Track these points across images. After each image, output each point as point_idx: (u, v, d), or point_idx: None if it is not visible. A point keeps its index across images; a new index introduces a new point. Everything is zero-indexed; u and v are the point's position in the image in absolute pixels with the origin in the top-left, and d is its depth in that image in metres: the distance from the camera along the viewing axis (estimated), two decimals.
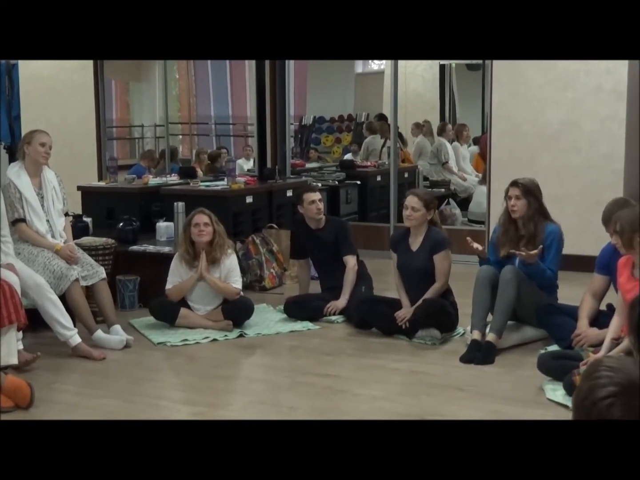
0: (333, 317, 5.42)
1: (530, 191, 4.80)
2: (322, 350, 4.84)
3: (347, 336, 5.14)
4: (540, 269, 4.70)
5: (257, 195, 6.88)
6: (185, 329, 5.19)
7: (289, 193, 7.23)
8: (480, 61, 9.39)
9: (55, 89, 8.31)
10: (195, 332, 5.13)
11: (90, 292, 5.04)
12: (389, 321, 4.98)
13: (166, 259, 5.52)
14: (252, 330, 5.21)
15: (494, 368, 4.45)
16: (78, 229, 5.84)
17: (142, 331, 5.21)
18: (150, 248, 5.98)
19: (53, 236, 5.01)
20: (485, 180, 7.53)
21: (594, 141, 6.78)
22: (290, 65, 8.48)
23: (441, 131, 9.72)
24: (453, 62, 10.41)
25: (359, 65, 11.31)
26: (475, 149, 9.69)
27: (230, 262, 5.29)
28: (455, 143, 9.59)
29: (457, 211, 8.60)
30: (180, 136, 11.16)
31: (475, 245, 4.81)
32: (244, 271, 6.02)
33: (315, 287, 5.84)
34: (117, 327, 4.94)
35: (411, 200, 4.99)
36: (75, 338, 4.67)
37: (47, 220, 5.02)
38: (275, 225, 6.87)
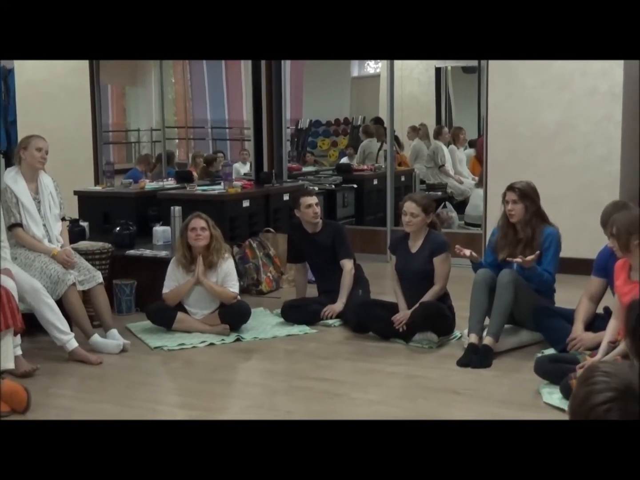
0: (330, 321, 5.42)
1: (526, 195, 4.80)
2: (319, 354, 4.84)
3: (344, 340, 5.14)
4: (538, 273, 4.70)
5: (253, 199, 6.89)
6: (182, 333, 5.18)
7: (286, 197, 7.23)
8: (475, 63, 9.41)
9: (52, 94, 8.31)
10: (192, 337, 5.13)
11: (87, 296, 5.03)
12: (386, 325, 4.98)
13: (163, 263, 5.51)
14: (249, 334, 5.21)
15: (491, 371, 4.45)
16: (75, 234, 5.85)
17: (139, 335, 5.20)
18: (147, 252, 5.98)
19: (50, 241, 5.00)
20: (482, 183, 7.54)
21: (590, 143, 6.79)
22: (287, 68, 8.48)
23: (437, 134, 9.72)
24: (449, 65, 10.43)
25: (355, 69, 11.32)
26: (471, 151, 9.70)
27: (227, 266, 5.29)
28: (452, 146, 9.59)
29: (454, 214, 8.60)
30: (177, 140, 11.17)
31: (464, 252, 4.80)
32: (240, 275, 6.02)
33: (312, 291, 5.84)
34: (114, 332, 4.93)
35: (409, 206, 4.99)
36: (72, 342, 4.67)
37: (44, 225, 5.01)
38: (272, 229, 6.87)
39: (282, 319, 5.50)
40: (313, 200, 5.64)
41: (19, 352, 4.36)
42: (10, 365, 4.15)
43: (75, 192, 6.87)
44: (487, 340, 4.58)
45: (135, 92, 10.64)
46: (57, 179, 5.24)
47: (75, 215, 6.47)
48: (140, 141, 10.56)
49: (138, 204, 6.76)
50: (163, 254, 5.88)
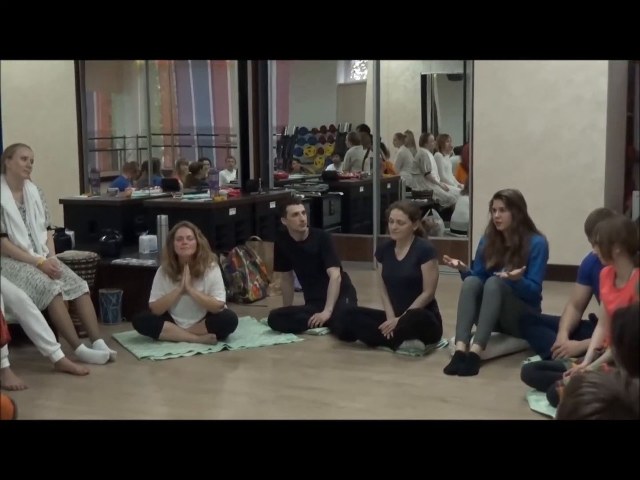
0: (317, 330, 5.42)
1: (513, 203, 4.82)
2: (306, 362, 4.84)
3: (331, 348, 5.14)
4: (525, 285, 4.72)
5: (240, 207, 6.88)
6: (169, 343, 5.17)
7: (272, 205, 7.24)
8: (461, 71, 9.45)
9: (37, 102, 8.27)
10: (179, 346, 5.11)
11: (73, 306, 5.01)
12: (373, 333, 4.99)
13: (149, 272, 5.50)
14: (236, 343, 5.20)
15: (477, 379, 4.46)
16: (60, 243, 5.81)
17: (125, 345, 5.18)
18: (133, 261, 5.96)
19: (35, 250, 4.98)
20: (467, 190, 7.57)
21: (574, 151, 6.83)
22: (273, 75, 8.49)
23: (423, 141, 9.76)
24: (434, 73, 10.48)
25: (341, 76, 11.35)
26: (457, 159, 9.74)
27: (214, 275, 5.28)
28: (438, 153, 9.63)
29: (440, 221, 8.62)
30: (163, 147, 11.15)
31: (452, 262, 4.82)
32: (227, 284, 6.01)
33: (299, 299, 5.83)
34: (101, 342, 4.91)
35: (396, 214, 5.01)
36: (58, 353, 4.64)
37: (29, 235, 4.99)
38: (258, 238, 6.86)
39: (269, 328, 5.50)
40: (299, 208, 5.64)
41: (7, 364, 4.33)
42: None
43: (61, 201, 6.84)
44: (474, 347, 4.59)
45: (120, 99, 10.62)
46: (42, 188, 5.21)
47: (61, 224, 6.44)
48: (126, 148, 10.53)
49: (124, 212, 6.75)
50: (149, 263, 5.86)
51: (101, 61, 8.48)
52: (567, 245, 6.20)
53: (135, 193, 7.23)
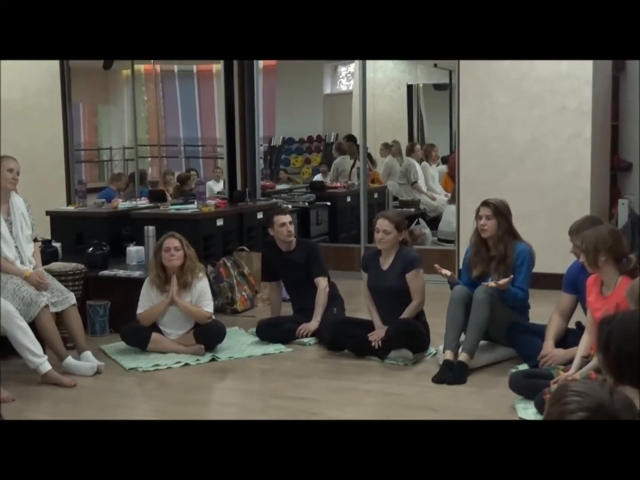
0: (305, 340, 5.42)
1: (500, 212, 4.84)
2: (295, 373, 4.84)
3: (320, 358, 5.14)
4: (512, 293, 4.74)
5: (227, 218, 6.88)
6: (157, 354, 5.16)
7: (260, 215, 7.24)
8: (447, 80, 9.49)
9: (23, 113, 8.25)
10: (167, 357, 5.10)
11: (60, 318, 4.99)
12: (361, 342, 4.99)
13: (137, 283, 5.49)
14: (224, 353, 5.19)
15: (466, 388, 4.47)
16: (47, 255, 5.80)
17: (113, 357, 5.17)
18: (121, 273, 5.94)
19: (22, 262, 4.96)
20: (454, 199, 7.60)
21: (560, 160, 6.87)
22: (259, 86, 8.50)
23: (410, 151, 9.78)
24: (420, 83, 10.51)
25: (328, 86, 11.37)
26: (443, 168, 9.76)
27: (202, 286, 5.28)
28: (424, 163, 9.65)
29: (427, 231, 8.64)
30: (149, 158, 11.12)
31: (444, 271, 4.83)
32: (215, 294, 6.01)
33: (287, 310, 5.83)
34: (88, 354, 4.90)
35: (382, 224, 5.02)
36: (45, 365, 4.62)
37: (16, 247, 4.97)
38: (246, 248, 6.86)
39: (257, 338, 5.49)
40: (287, 218, 5.65)
41: None
42: None
43: (48, 213, 6.81)
44: (462, 356, 4.60)
45: (107, 110, 10.59)
46: (28, 199, 5.20)
47: (48, 236, 6.41)
48: (113, 160, 10.51)
49: (111, 223, 6.73)
50: (137, 274, 5.85)
51: (87, 72, 8.48)
52: (554, 253, 6.21)
53: (123, 204, 7.21)
